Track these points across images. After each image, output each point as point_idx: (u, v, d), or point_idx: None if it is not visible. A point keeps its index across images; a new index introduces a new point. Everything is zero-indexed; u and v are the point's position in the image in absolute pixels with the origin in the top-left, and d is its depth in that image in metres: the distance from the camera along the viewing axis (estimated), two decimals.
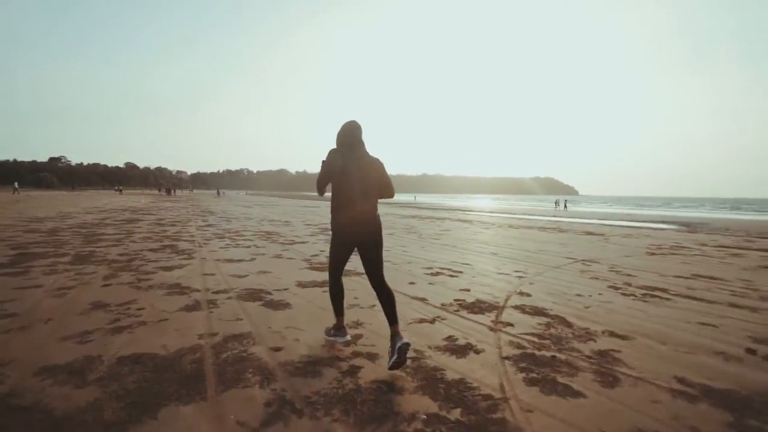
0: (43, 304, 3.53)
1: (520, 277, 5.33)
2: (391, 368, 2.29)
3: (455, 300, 4.04)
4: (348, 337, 2.77)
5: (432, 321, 3.36)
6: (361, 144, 2.57)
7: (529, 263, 6.36)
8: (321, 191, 2.65)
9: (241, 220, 13.80)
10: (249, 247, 7.37)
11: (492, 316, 3.56)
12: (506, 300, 4.11)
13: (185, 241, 8.05)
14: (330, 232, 2.71)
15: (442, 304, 3.87)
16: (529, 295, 4.36)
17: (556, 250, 8.03)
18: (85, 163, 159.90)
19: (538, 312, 3.70)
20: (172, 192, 58.59)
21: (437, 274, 5.35)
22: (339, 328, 2.77)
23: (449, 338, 2.96)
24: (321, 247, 7.45)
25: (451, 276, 5.23)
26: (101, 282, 4.37)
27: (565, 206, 41.31)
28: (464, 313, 3.63)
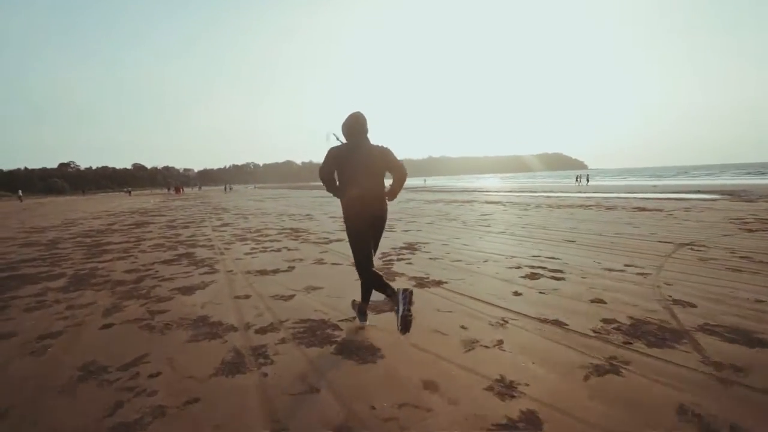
0: (8, 372, 2.33)
1: (640, 273, 4.06)
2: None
3: (604, 321, 2.79)
4: (367, 323, 2.83)
5: (615, 370, 2.11)
6: (365, 135, 2.62)
7: (628, 253, 5.06)
8: (328, 183, 2.63)
9: (259, 217, 12.64)
10: (279, 250, 6.16)
11: (688, 350, 2.32)
12: (673, 317, 2.85)
13: (202, 246, 6.89)
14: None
15: (595, 332, 2.62)
16: (691, 305, 3.09)
17: (635, 233, 6.71)
18: (93, 167, 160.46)
19: (745, 338, 2.44)
20: (181, 190, 57.73)
21: (534, 276, 4.10)
22: (363, 312, 2.84)
23: (683, 412, 1.72)
24: None
25: (555, 279, 3.97)
26: (100, 320, 3.17)
27: (588, 181, 39.68)
28: (641, 345, 2.39)
